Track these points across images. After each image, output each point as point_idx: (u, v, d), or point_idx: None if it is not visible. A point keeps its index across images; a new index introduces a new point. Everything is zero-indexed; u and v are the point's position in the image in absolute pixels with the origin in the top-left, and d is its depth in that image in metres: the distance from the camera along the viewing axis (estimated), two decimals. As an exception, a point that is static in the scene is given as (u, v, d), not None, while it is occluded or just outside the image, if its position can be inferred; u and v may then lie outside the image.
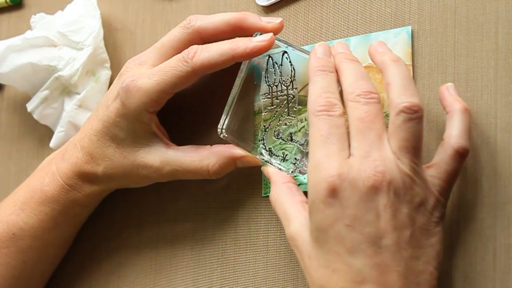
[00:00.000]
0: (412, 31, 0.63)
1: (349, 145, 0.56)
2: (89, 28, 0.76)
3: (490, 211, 0.59)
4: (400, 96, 0.56)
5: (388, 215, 0.54)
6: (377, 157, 0.54)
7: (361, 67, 0.59)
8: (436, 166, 0.57)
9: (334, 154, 0.55)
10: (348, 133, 0.56)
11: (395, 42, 0.63)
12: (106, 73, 0.77)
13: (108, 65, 0.77)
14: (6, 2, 0.84)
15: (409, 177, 0.54)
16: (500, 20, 0.60)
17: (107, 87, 0.77)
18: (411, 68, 0.63)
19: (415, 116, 0.55)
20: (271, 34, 0.63)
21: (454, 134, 0.57)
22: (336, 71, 0.60)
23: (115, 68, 0.78)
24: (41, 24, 0.77)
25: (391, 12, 0.65)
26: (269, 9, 0.71)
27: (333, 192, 0.54)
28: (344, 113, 0.58)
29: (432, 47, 0.62)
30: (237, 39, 0.63)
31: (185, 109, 0.72)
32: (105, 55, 0.77)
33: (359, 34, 0.66)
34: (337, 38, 0.67)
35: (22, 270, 0.72)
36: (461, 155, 0.57)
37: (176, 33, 0.66)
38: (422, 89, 0.62)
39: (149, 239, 0.73)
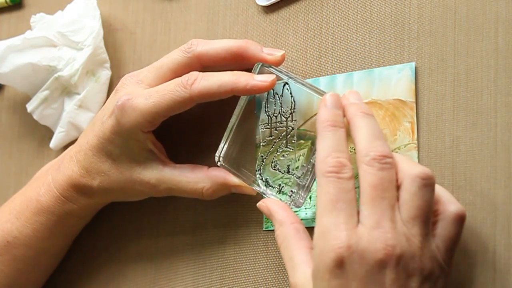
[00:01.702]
0: (416, 67, 0.63)
1: (358, 210, 0.54)
2: (89, 28, 0.76)
3: (490, 211, 0.59)
4: (412, 165, 0.55)
5: None
6: (388, 228, 0.53)
7: (376, 123, 0.58)
8: (439, 234, 0.55)
9: (342, 222, 0.53)
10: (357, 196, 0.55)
11: (398, 78, 0.63)
12: (106, 73, 0.77)
13: (108, 65, 0.77)
14: (6, 2, 0.84)
15: (419, 249, 0.53)
16: (500, 20, 0.60)
17: (107, 87, 0.77)
18: (414, 92, 0.63)
19: (429, 182, 0.54)
20: (274, 76, 0.62)
21: (447, 201, 0.56)
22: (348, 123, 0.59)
23: (115, 68, 0.78)
24: (41, 24, 0.77)
25: (391, 12, 0.65)
26: (269, 9, 0.71)
27: (341, 264, 0.53)
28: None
29: (432, 47, 0.62)
30: (239, 73, 0.63)
31: (186, 124, 0.72)
32: (105, 55, 0.77)
33: (360, 33, 0.66)
34: (337, 38, 0.67)
35: (16, 278, 0.72)
36: (461, 219, 0.56)
37: (176, 56, 0.66)
38: (422, 89, 0.62)
39: (149, 239, 0.73)
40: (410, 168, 0.55)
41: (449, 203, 0.56)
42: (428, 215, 0.54)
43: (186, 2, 0.75)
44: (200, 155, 0.71)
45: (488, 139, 0.60)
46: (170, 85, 0.64)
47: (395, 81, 0.63)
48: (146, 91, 0.65)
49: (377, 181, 0.54)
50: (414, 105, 0.62)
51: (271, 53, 0.65)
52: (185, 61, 0.65)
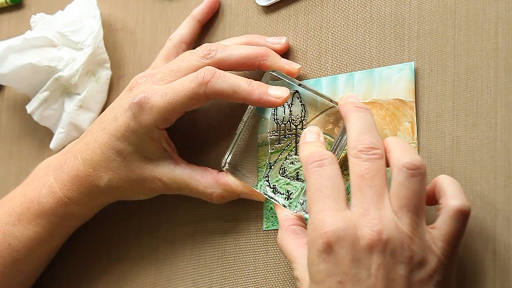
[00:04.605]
0: (415, 67, 0.63)
1: (348, 197, 0.56)
2: (89, 28, 0.76)
3: (490, 211, 0.59)
4: (403, 153, 0.56)
5: (381, 275, 0.53)
6: (375, 215, 0.54)
7: (368, 116, 0.59)
8: (438, 228, 0.55)
9: (328, 209, 0.55)
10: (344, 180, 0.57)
11: (398, 77, 0.63)
12: (106, 73, 0.77)
13: (108, 65, 0.77)
14: (6, 2, 0.84)
15: (408, 237, 0.54)
16: (500, 20, 0.60)
17: (108, 87, 0.77)
18: (414, 92, 0.63)
19: (417, 172, 0.55)
20: (288, 93, 0.64)
21: (451, 195, 0.56)
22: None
23: (115, 68, 0.78)
24: (41, 24, 0.77)
25: (391, 12, 0.65)
26: (269, 9, 0.71)
27: (328, 248, 0.54)
28: (342, 162, 0.58)
29: (432, 47, 0.62)
30: (254, 84, 0.64)
31: (195, 122, 0.72)
32: (105, 55, 0.77)
33: (360, 33, 0.66)
34: (337, 38, 0.67)
35: (16, 277, 0.72)
36: (463, 214, 0.55)
37: (194, 62, 0.66)
38: (422, 89, 0.62)
39: (149, 239, 0.73)
40: (399, 157, 0.55)
41: (452, 197, 0.56)
42: (417, 205, 0.55)
43: (186, 2, 0.75)
44: (209, 152, 0.71)
45: (488, 139, 0.60)
46: (185, 82, 0.64)
47: (395, 80, 0.63)
48: (161, 88, 0.65)
49: (364, 170, 0.55)
50: (414, 104, 0.62)
51: (289, 64, 0.66)
52: (203, 67, 0.65)
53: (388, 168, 0.56)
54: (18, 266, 0.71)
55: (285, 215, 0.63)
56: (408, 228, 0.54)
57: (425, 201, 0.55)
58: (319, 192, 0.55)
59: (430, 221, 0.56)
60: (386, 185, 0.55)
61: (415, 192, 0.55)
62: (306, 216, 0.63)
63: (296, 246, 0.60)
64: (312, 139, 0.60)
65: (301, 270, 0.58)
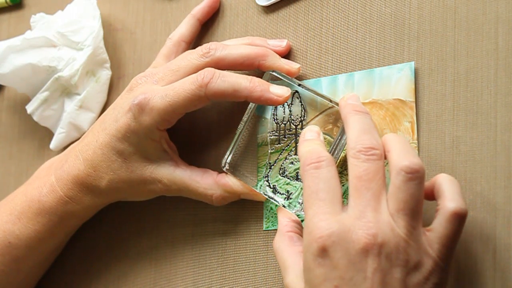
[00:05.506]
0: (415, 67, 0.63)
1: (345, 198, 0.55)
2: (89, 28, 0.76)
3: (490, 211, 0.59)
4: (402, 155, 0.55)
5: (377, 279, 0.53)
6: (371, 218, 0.53)
7: (367, 119, 0.58)
8: (435, 230, 0.55)
9: (323, 212, 0.54)
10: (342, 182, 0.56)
11: (398, 77, 0.63)
12: (106, 73, 0.77)
13: (108, 65, 0.77)
14: (6, 2, 0.84)
15: (404, 240, 0.53)
16: (500, 20, 0.60)
17: (107, 87, 0.77)
18: (414, 92, 0.63)
19: (415, 176, 0.54)
20: (289, 92, 0.64)
21: (448, 197, 0.56)
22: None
23: (115, 68, 0.78)
24: (41, 24, 0.77)
25: (391, 12, 0.65)
26: (269, 9, 0.71)
27: (323, 252, 0.53)
28: (342, 162, 0.58)
29: (432, 47, 0.62)
30: (255, 81, 0.64)
31: (196, 123, 0.72)
32: (105, 55, 0.77)
33: (360, 33, 0.66)
34: (337, 38, 0.67)
35: (16, 276, 0.72)
36: (459, 217, 0.55)
37: (193, 61, 0.66)
38: (422, 89, 0.62)
39: (149, 239, 0.73)
40: (398, 160, 0.55)
41: (449, 199, 0.56)
42: (414, 208, 0.54)
43: (186, 2, 0.75)
44: (209, 152, 0.71)
45: (488, 139, 0.60)
46: (185, 84, 0.64)
47: (395, 80, 0.63)
48: (162, 89, 0.65)
49: (362, 172, 0.55)
50: (414, 104, 0.62)
51: (289, 64, 0.66)
52: (203, 66, 0.66)
53: (387, 168, 0.56)
54: (18, 265, 0.71)
55: (285, 219, 0.63)
56: (404, 231, 0.54)
57: (422, 205, 0.55)
58: (315, 195, 0.55)
59: (428, 222, 0.56)
60: (384, 187, 0.55)
61: (413, 196, 0.54)
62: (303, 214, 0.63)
63: (289, 254, 0.60)
64: (311, 137, 0.60)
65: (292, 278, 0.58)
